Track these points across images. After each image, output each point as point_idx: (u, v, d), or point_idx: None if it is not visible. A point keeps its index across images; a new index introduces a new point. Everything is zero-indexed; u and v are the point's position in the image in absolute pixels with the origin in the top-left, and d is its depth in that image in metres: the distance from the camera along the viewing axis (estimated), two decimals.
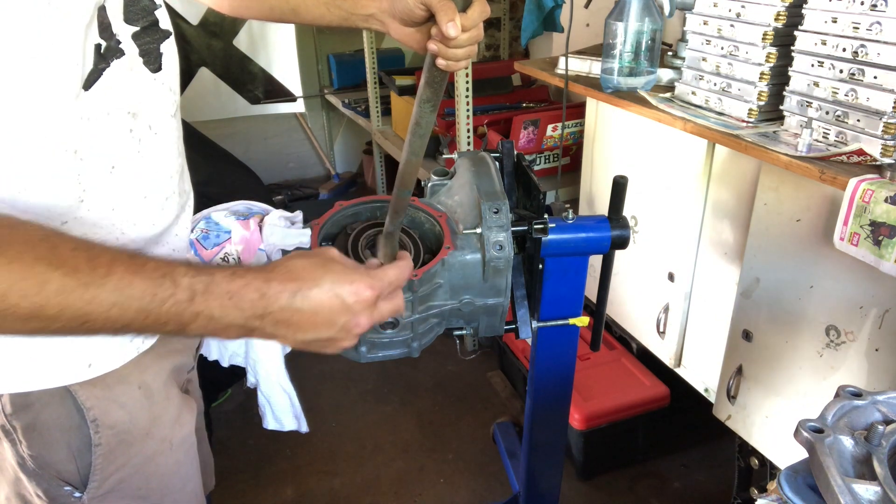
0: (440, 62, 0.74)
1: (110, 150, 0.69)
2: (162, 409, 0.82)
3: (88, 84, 0.65)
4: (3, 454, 0.76)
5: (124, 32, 0.69)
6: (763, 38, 1.34)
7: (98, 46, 0.66)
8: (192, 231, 0.96)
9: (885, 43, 1.13)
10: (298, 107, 3.61)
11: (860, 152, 1.16)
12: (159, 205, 0.77)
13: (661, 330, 1.78)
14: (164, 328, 0.60)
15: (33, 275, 0.53)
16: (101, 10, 0.65)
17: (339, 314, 0.67)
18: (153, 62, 0.74)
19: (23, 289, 0.53)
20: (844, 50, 1.20)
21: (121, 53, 0.68)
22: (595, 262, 1.18)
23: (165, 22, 0.76)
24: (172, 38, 0.77)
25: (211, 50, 3.32)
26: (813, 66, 1.26)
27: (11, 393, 0.71)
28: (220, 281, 0.62)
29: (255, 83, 3.48)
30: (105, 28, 0.66)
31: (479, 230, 0.99)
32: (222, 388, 2.36)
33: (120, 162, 0.71)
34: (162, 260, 0.61)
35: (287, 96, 3.52)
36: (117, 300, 0.56)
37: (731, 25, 1.40)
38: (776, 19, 1.31)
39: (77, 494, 0.77)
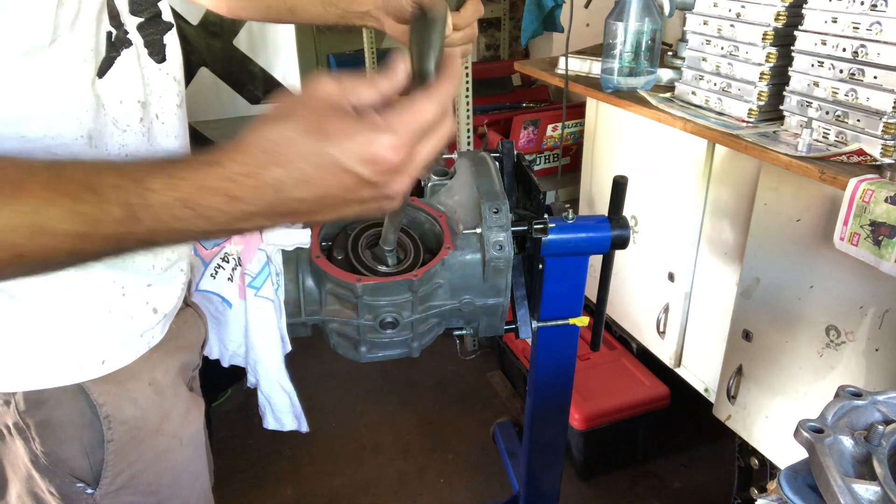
0: None
1: (121, 138, 0.70)
2: (171, 406, 0.83)
3: (102, 72, 0.66)
4: (16, 452, 0.76)
5: (130, 23, 0.70)
6: (763, 38, 1.34)
7: (109, 35, 0.67)
8: None
9: (885, 43, 1.13)
10: None
11: (860, 152, 1.16)
12: None
13: (661, 330, 1.78)
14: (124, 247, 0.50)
15: None
16: (111, 0, 0.67)
17: (357, 190, 0.49)
18: (157, 53, 0.75)
19: None
20: (844, 50, 1.20)
21: (129, 43, 0.69)
22: (595, 262, 1.18)
23: (168, 14, 0.77)
24: (175, 29, 0.78)
25: (211, 50, 3.31)
26: (813, 66, 1.26)
27: (25, 391, 0.71)
28: (157, 188, 0.47)
29: (255, 83, 3.47)
30: (115, 17, 0.67)
31: (479, 230, 0.99)
32: (222, 388, 2.36)
33: (132, 151, 0.71)
34: (88, 163, 0.49)
35: None
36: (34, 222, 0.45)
37: (731, 25, 1.40)
38: (776, 19, 1.31)
39: (89, 491, 0.77)
